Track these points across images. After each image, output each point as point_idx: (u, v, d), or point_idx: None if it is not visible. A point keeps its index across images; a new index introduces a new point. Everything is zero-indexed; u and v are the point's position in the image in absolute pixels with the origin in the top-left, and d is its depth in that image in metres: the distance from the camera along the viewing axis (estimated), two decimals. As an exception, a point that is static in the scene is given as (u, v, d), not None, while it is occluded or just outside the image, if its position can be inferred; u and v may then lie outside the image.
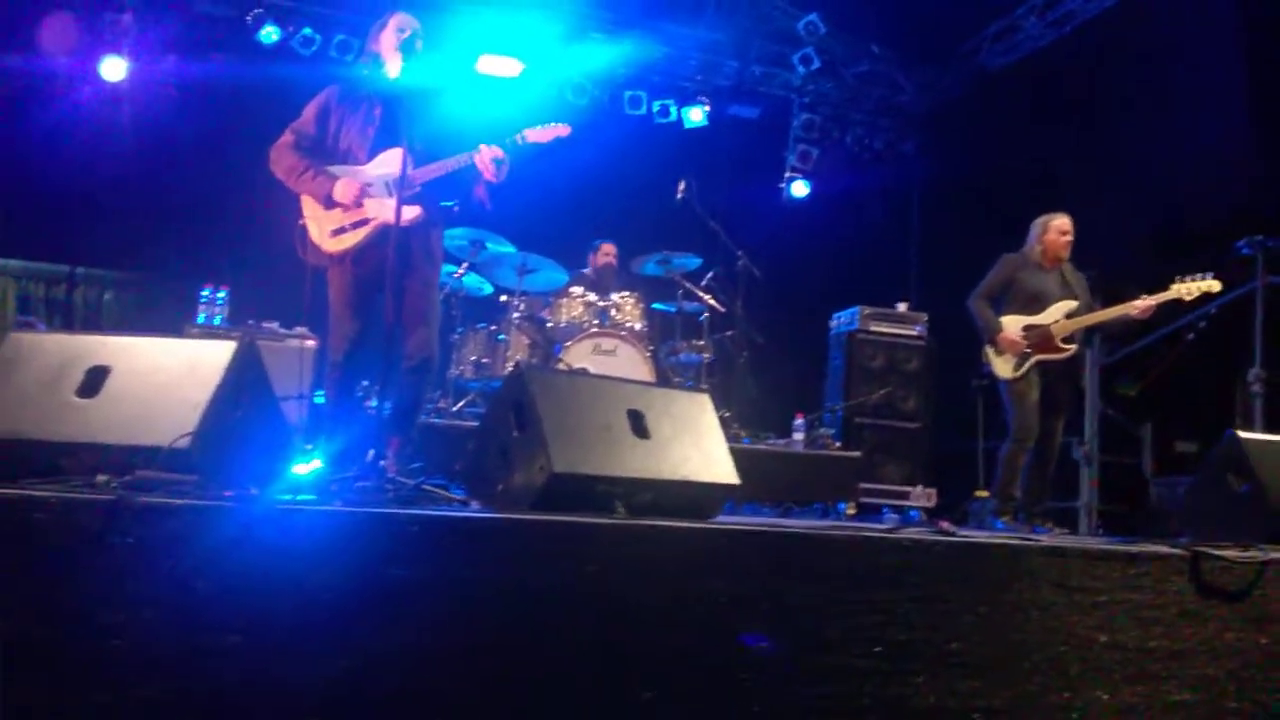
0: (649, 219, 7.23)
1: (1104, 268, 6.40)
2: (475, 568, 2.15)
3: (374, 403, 4.36)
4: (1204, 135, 6.66)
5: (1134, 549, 2.77)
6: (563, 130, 4.08)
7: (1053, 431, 5.23)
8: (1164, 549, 2.81)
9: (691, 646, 2.26)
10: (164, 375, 2.62)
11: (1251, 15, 6.53)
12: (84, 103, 7.18)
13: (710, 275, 6.80)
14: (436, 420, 5.52)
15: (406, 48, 3.97)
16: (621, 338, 6.16)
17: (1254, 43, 6.52)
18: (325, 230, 4.00)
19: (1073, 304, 5.18)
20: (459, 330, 6.26)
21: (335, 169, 3.99)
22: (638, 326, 6.37)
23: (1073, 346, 5.16)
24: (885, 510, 6.65)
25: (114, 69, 7.15)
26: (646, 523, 2.44)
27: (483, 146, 3.94)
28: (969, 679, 2.44)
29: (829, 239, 8.69)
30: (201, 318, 5.98)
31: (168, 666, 1.89)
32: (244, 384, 2.72)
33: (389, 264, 3.61)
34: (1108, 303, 5.22)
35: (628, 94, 8.56)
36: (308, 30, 7.57)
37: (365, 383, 4.77)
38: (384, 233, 3.91)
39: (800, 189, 9.08)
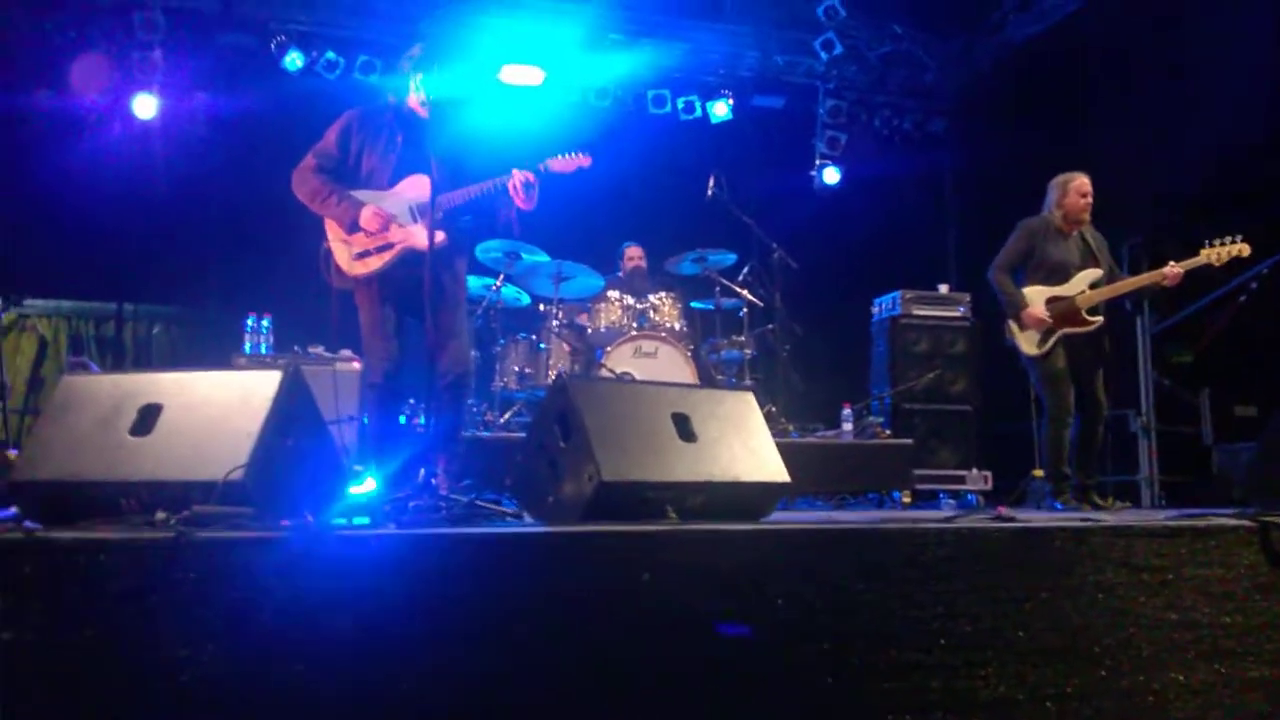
0: (681, 218, 7.21)
1: (1147, 231, 6.28)
2: (529, 583, 2.15)
3: (421, 421, 4.39)
4: (1243, 89, 6.49)
5: (1199, 523, 2.71)
6: (584, 161, 4.08)
7: (1092, 395, 5.00)
8: (1230, 521, 2.74)
9: (753, 649, 2.24)
10: (214, 409, 2.66)
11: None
12: (117, 140, 7.31)
13: (747, 270, 6.76)
14: (484, 434, 5.54)
15: (429, 95, 3.97)
16: (662, 339, 6.15)
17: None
18: (349, 254, 4.03)
19: (1097, 273, 5.02)
20: (500, 342, 6.29)
21: (360, 194, 4.02)
22: (677, 326, 6.36)
23: (1099, 319, 4.97)
24: (942, 496, 6.57)
25: (145, 106, 7.27)
26: (698, 527, 2.43)
27: (515, 171, 3.94)
28: (1037, 667, 2.40)
29: (864, 224, 8.59)
30: (248, 347, 6.06)
31: (234, 699, 1.91)
32: (292, 412, 2.74)
33: (425, 288, 3.62)
34: (1153, 266, 5.07)
35: (651, 93, 8.54)
36: (331, 54, 7.65)
37: (411, 401, 4.81)
38: (408, 256, 3.95)
39: (831, 176, 9.00)
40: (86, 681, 1.88)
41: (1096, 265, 5.05)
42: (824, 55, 8.52)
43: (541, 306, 6.49)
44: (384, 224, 3.95)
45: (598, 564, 2.21)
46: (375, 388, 4.04)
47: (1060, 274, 5.04)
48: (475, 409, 5.93)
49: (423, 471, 3.47)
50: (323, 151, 4.10)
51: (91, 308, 7.63)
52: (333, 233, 4.07)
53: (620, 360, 6.00)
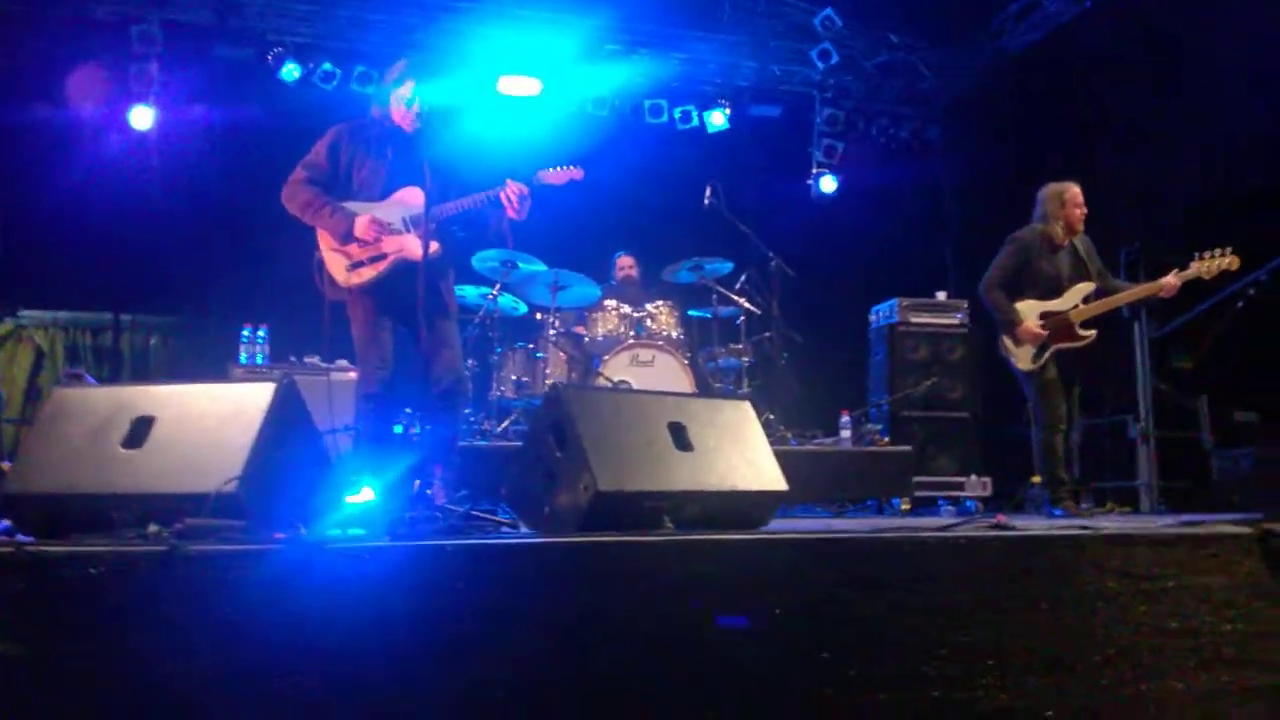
0: (678, 226, 7.20)
1: (1144, 238, 6.27)
2: (525, 594, 2.14)
3: (416, 430, 4.38)
4: (1239, 96, 6.50)
5: (1199, 530, 2.70)
6: (576, 174, 4.10)
7: (1070, 406, 5.09)
8: (1230, 528, 2.72)
9: (751, 659, 2.22)
10: (207, 421, 2.64)
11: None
12: (114, 152, 7.31)
13: (744, 278, 6.75)
14: (481, 442, 5.53)
15: (415, 111, 4.00)
16: (659, 347, 6.14)
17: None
18: (342, 264, 4.03)
19: (1089, 286, 5.03)
20: (497, 351, 6.27)
21: (352, 205, 4.02)
22: (674, 335, 6.35)
23: (1092, 333, 4.98)
24: (941, 503, 6.55)
25: (142, 118, 7.27)
26: (696, 537, 2.42)
27: (509, 182, 3.95)
28: (1038, 677, 2.38)
29: (861, 232, 8.59)
30: (244, 357, 6.05)
31: (226, 713, 1.89)
32: (286, 423, 2.73)
33: (418, 299, 3.62)
34: (1150, 274, 5.06)
35: (648, 103, 8.55)
36: (327, 65, 7.65)
37: (408, 410, 4.79)
38: (401, 266, 3.95)
39: (829, 184, 9.00)
40: (78, 694, 1.86)
41: (1087, 276, 5.06)
42: (820, 65, 8.54)
43: (539, 315, 6.48)
44: (378, 234, 3.95)
45: (594, 575, 2.20)
46: (371, 398, 4.03)
47: (1053, 288, 5.05)
48: (472, 418, 5.91)
49: (418, 483, 3.46)
50: (312, 164, 4.11)
51: (88, 318, 7.62)
52: (325, 243, 4.07)
53: (617, 369, 5.99)
